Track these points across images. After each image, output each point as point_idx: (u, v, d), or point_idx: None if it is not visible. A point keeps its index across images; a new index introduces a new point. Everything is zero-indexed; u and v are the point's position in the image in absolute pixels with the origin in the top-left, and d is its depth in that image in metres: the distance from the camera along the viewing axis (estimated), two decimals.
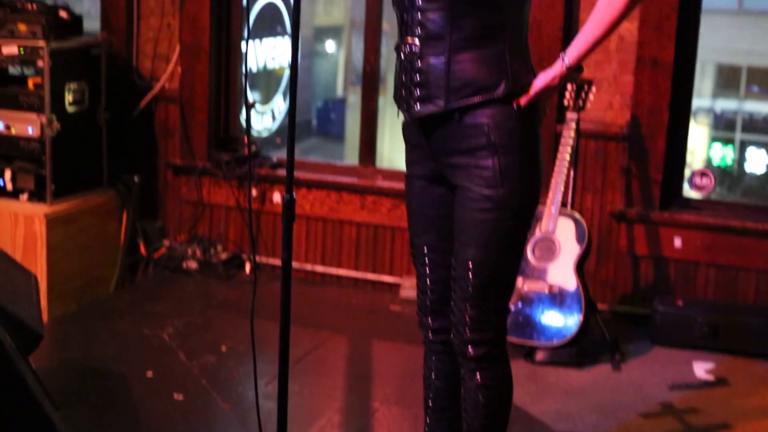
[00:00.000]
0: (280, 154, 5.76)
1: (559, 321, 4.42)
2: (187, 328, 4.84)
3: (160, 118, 5.72)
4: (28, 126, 5.01)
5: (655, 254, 4.91)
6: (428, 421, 3.05)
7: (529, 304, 4.45)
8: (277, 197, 5.49)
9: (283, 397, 2.67)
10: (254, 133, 6.31)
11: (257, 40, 6.52)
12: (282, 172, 5.44)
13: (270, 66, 6.81)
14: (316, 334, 4.77)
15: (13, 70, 5.17)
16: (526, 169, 2.65)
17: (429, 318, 2.93)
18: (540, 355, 4.45)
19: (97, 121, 5.35)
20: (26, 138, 5.03)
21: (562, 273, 4.46)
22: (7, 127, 5.06)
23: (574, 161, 4.65)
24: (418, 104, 2.69)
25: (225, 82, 5.68)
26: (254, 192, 5.53)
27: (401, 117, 2.81)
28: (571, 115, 4.55)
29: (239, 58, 5.66)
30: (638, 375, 4.39)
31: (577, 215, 4.58)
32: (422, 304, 2.94)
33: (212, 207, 5.66)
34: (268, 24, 6.58)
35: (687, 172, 5.14)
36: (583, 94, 4.53)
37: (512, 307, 4.37)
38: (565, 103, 4.56)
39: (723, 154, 16.24)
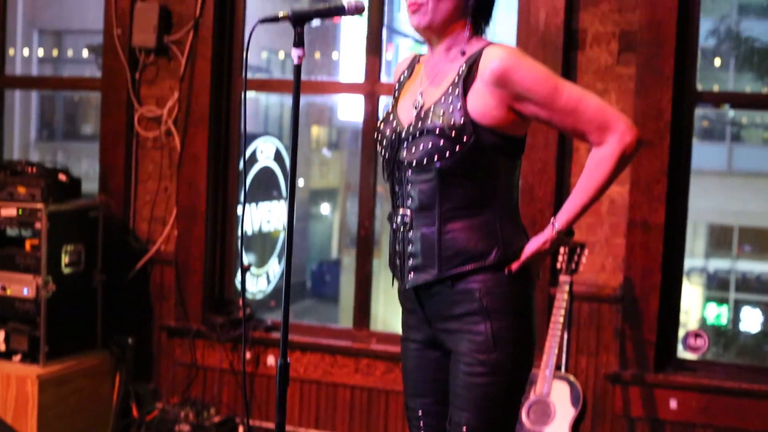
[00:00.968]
0: (274, 317, 5.75)
1: None
2: None
3: (155, 280, 5.74)
4: (24, 287, 5.03)
5: (651, 416, 4.86)
6: None
7: None
8: (271, 360, 5.47)
9: None
10: (249, 295, 6.33)
11: (253, 204, 6.60)
12: (276, 335, 5.43)
13: (265, 229, 6.88)
14: None
15: (11, 231, 5.23)
16: (519, 334, 2.66)
17: None
18: None
19: (92, 283, 5.38)
20: (21, 299, 5.04)
21: None
22: (3, 288, 5.08)
23: (568, 324, 4.66)
24: (411, 273, 2.74)
25: (221, 245, 5.72)
26: (248, 355, 5.50)
27: (396, 284, 2.85)
28: (564, 278, 4.57)
29: (235, 221, 5.72)
30: None
31: (571, 378, 4.56)
32: None
33: (206, 369, 5.62)
34: (264, 188, 6.68)
35: (681, 333, 5.14)
36: (575, 257, 4.57)
37: None
38: (558, 266, 4.59)
39: (717, 314, 16.24)
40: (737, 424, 4.74)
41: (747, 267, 17.05)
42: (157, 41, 5.58)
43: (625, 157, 2.65)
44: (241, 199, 5.43)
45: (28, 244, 5.10)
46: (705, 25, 12.08)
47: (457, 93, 2.65)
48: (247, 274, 6.23)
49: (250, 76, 7.09)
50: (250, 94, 6.43)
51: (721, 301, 16.62)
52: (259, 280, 6.59)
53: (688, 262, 15.88)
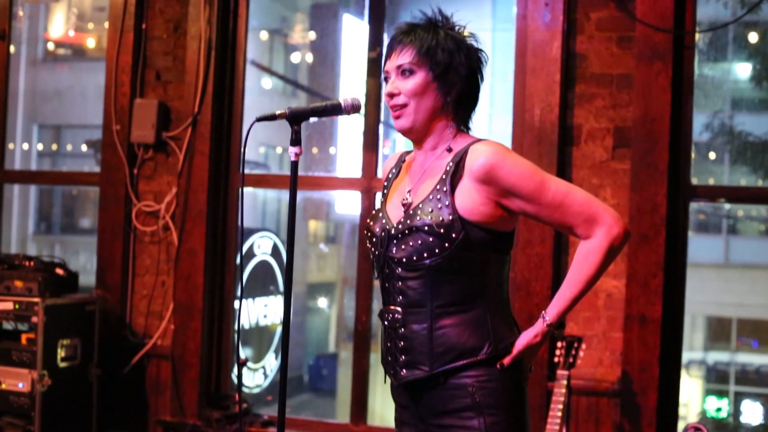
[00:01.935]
0: (271, 412, 5.71)
1: None
2: None
3: (151, 374, 5.71)
4: (19, 381, 5.01)
5: None
6: None
7: None
8: None
9: None
10: (245, 390, 6.28)
11: (250, 299, 6.60)
12: (273, 429, 5.39)
13: (262, 323, 6.87)
14: None
15: (7, 325, 5.23)
16: (512, 428, 2.65)
17: None
18: None
19: (88, 377, 5.36)
20: (16, 393, 5.02)
21: None
22: None
23: (566, 418, 4.62)
24: (404, 370, 2.73)
25: (217, 340, 5.71)
26: None
27: (389, 380, 2.84)
28: (561, 373, 4.55)
29: (232, 315, 5.72)
30: None
31: None
32: None
33: None
34: (261, 282, 6.69)
35: (681, 426, 5.10)
36: (573, 351, 4.56)
37: None
38: (556, 360, 4.58)
39: (718, 407, 16.11)
40: None
41: (746, 359, 16.96)
42: (156, 137, 5.64)
43: (613, 249, 2.67)
44: (239, 294, 5.43)
45: (23, 338, 5.09)
46: (699, 120, 12.22)
47: (444, 190, 2.68)
48: (244, 369, 6.20)
49: (247, 171, 7.15)
50: (248, 190, 6.47)
51: (721, 394, 16.50)
52: (256, 375, 6.55)
53: (687, 355, 15.82)
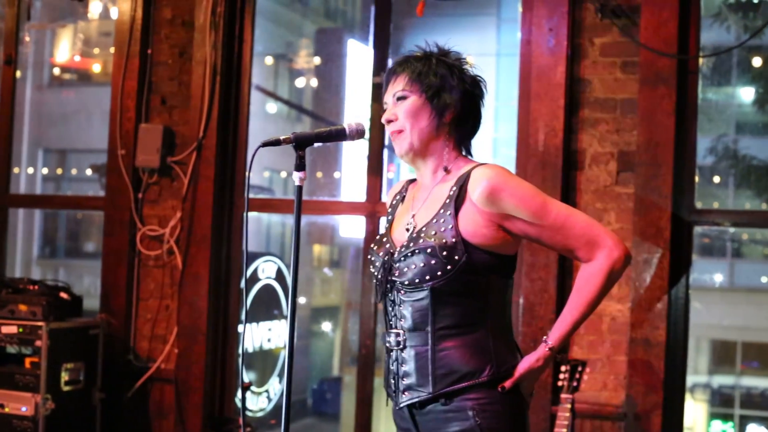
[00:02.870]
0: None
1: None
2: None
3: (155, 398, 5.71)
4: (23, 405, 5.00)
5: None
6: None
7: None
8: None
9: None
10: (249, 414, 6.27)
11: (254, 323, 6.60)
12: None
13: (266, 347, 6.86)
14: None
15: (11, 348, 5.23)
16: None
17: None
18: None
19: (91, 401, 5.36)
20: (20, 416, 5.02)
21: None
22: (1, 406, 5.06)
23: None
24: (405, 392, 2.75)
25: (221, 364, 5.70)
26: None
27: (390, 404, 2.85)
28: (565, 396, 4.55)
29: (236, 339, 5.72)
30: None
31: None
32: None
33: None
34: (265, 306, 6.69)
35: None
36: (577, 375, 4.55)
37: None
38: (560, 384, 4.57)
39: (723, 430, 16.06)
40: None
41: (752, 383, 16.91)
42: (161, 162, 5.66)
43: (614, 272, 2.70)
44: (242, 318, 5.43)
45: (27, 362, 5.09)
46: (703, 144, 12.23)
47: (448, 213, 2.70)
48: (248, 393, 6.19)
49: (252, 195, 7.17)
50: (252, 214, 6.49)
51: (726, 418, 16.44)
52: (260, 399, 6.55)
53: (692, 379, 15.77)
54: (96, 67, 13.19)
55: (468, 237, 2.67)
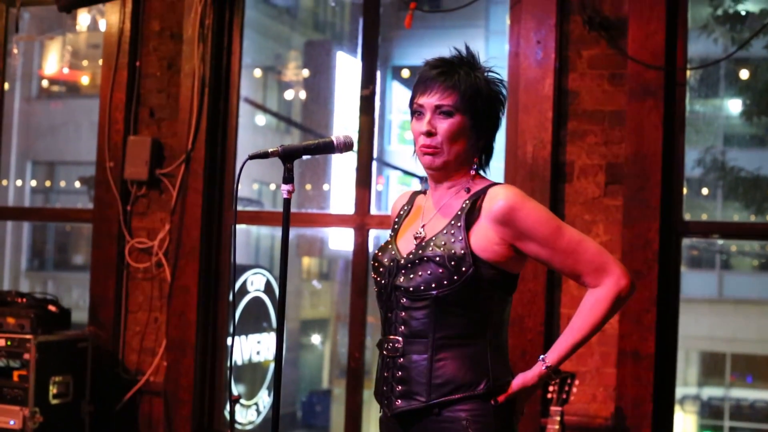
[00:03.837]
0: None
1: None
2: None
3: (144, 411, 5.69)
4: (11, 419, 4.98)
5: None
6: None
7: None
8: None
9: None
10: (238, 426, 6.26)
11: (243, 336, 6.59)
12: None
13: (255, 360, 6.85)
14: None
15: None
16: None
17: None
18: None
19: (80, 414, 5.34)
20: (7, 430, 5.00)
21: None
22: None
23: None
24: (399, 400, 2.75)
25: (210, 376, 5.69)
26: None
27: (380, 412, 2.84)
28: (555, 409, 4.54)
29: (225, 352, 5.71)
30: None
31: None
32: None
33: None
34: (254, 319, 6.68)
35: None
36: (566, 387, 4.55)
37: None
38: (549, 396, 4.57)
39: None
40: None
41: (741, 394, 16.94)
42: (149, 174, 5.66)
43: (620, 300, 2.73)
44: (231, 330, 5.42)
45: (15, 375, 5.07)
46: (691, 155, 12.28)
47: (459, 225, 2.73)
48: (237, 405, 6.18)
49: (240, 208, 7.17)
50: (241, 226, 6.49)
51: (716, 429, 16.48)
52: (249, 411, 6.53)
53: (681, 390, 15.79)
54: (84, 80, 13.20)
55: (478, 251, 2.70)
